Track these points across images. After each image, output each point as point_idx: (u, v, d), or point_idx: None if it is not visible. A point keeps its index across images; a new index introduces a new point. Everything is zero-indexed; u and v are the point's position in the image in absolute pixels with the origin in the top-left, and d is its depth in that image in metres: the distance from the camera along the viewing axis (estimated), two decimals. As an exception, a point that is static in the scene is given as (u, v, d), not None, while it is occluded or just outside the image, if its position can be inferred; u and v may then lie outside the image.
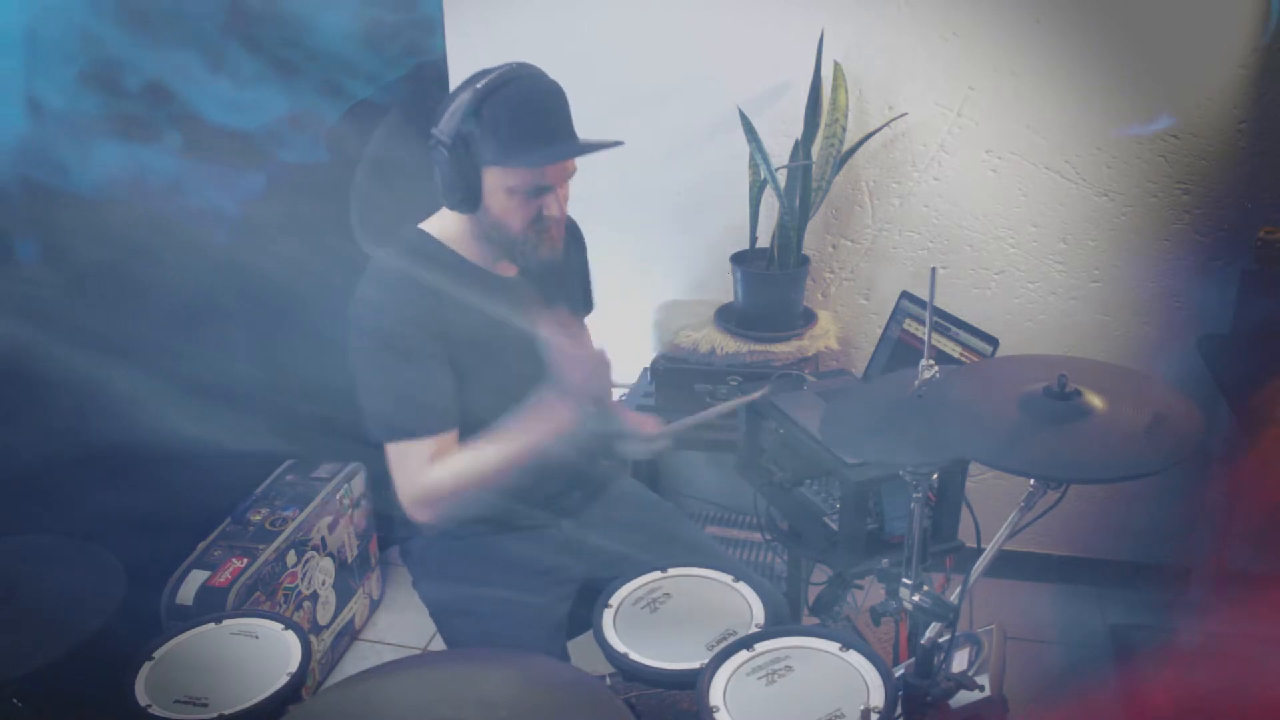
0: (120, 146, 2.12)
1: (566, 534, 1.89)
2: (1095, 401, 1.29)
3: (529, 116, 1.63)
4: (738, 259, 2.52)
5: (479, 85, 1.62)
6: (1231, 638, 2.22)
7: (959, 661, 1.54)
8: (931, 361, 1.46)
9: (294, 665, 1.54)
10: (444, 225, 1.77)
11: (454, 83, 2.71)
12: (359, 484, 2.74)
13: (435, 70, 2.71)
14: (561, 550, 1.86)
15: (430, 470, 1.64)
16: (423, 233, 1.77)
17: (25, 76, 1.92)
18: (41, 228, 2.02)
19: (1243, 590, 2.27)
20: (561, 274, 1.90)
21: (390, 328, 1.66)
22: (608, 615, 1.64)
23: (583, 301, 2.06)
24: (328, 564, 2.56)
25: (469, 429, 1.70)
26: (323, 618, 2.54)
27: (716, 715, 1.35)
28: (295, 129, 2.49)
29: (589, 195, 1.94)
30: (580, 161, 1.71)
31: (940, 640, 1.36)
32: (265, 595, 2.30)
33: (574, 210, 1.84)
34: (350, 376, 1.68)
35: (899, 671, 1.44)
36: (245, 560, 2.28)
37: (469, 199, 1.68)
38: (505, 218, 1.69)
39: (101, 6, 2.01)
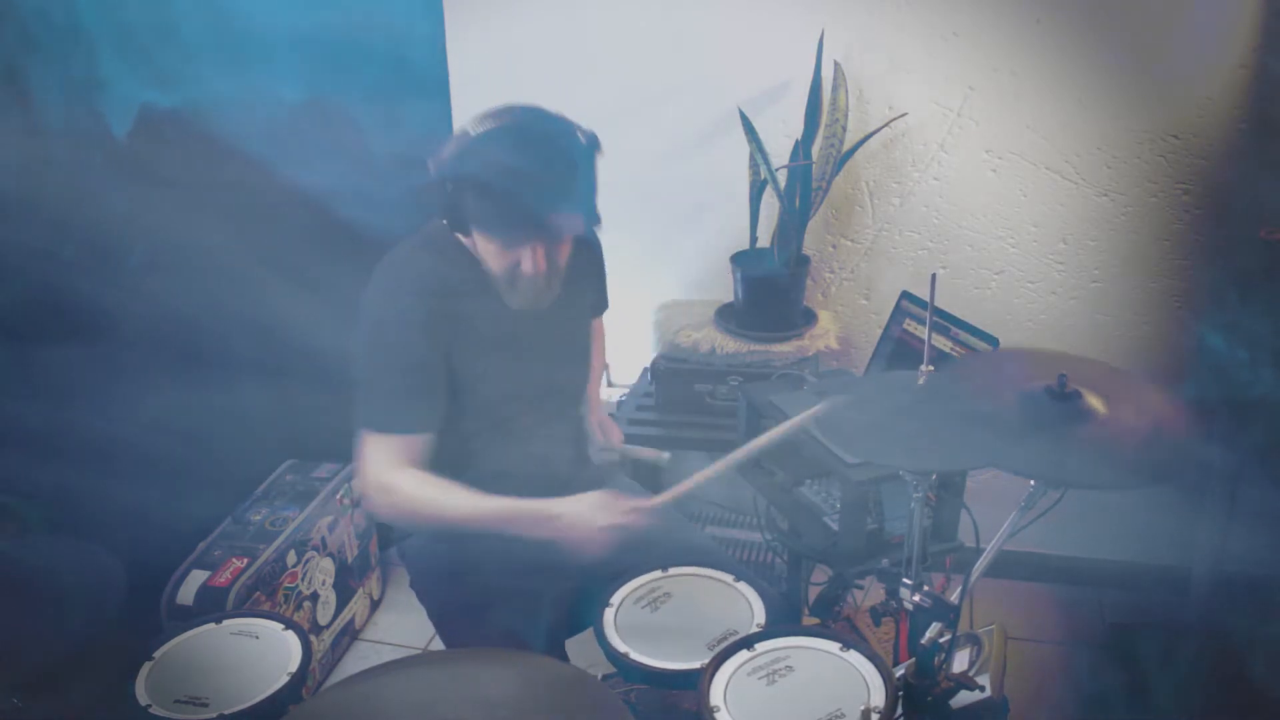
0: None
1: None
2: (1095, 404, 1.29)
3: (502, 186, 1.57)
4: (738, 259, 2.51)
5: (471, 134, 1.58)
6: (1231, 637, 2.22)
7: (959, 661, 1.53)
8: (930, 367, 1.47)
9: (294, 665, 1.54)
10: None
11: (454, 83, 2.71)
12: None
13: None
14: (560, 550, 1.86)
15: (395, 473, 1.66)
16: (447, 230, 1.74)
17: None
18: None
19: (1243, 590, 2.27)
20: (573, 299, 1.85)
21: (388, 318, 1.67)
22: (608, 615, 1.64)
23: (598, 304, 2.06)
24: (328, 564, 2.56)
25: (456, 440, 1.74)
26: (323, 618, 2.54)
27: (717, 715, 1.35)
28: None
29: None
30: None
31: (940, 640, 1.36)
32: (265, 595, 2.30)
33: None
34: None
35: (899, 671, 1.44)
36: (245, 560, 2.28)
37: (459, 228, 1.69)
38: (485, 256, 1.68)
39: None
